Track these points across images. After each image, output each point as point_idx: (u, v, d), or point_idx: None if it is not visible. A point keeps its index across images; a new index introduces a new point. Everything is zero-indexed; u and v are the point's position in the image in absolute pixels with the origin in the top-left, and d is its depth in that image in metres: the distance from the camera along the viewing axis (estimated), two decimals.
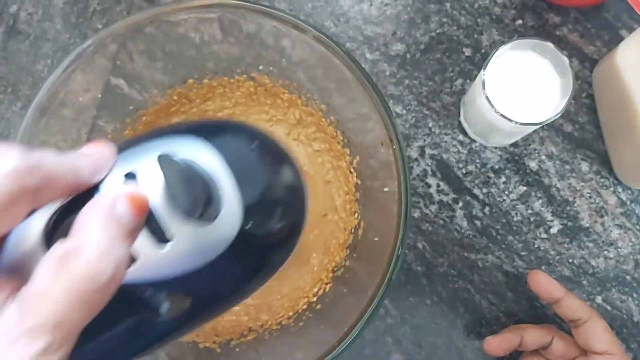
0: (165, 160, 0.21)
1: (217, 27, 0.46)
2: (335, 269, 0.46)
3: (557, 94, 0.42)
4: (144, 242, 0.21)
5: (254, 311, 0.47)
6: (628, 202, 0.49)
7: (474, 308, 0.49)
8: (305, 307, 0.46)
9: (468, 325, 0.49)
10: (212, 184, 0.22)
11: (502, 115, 0.40)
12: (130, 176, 0.22)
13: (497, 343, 0.44)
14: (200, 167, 0.22)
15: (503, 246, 0.49)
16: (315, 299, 0.46)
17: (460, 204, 0.50)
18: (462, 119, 0.50)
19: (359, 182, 0.46)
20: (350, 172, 0.47)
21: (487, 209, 0.49)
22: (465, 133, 0.50)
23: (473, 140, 0.50)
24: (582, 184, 0.49)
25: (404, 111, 0.51)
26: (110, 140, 0.48)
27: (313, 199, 0.48)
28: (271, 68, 0.47)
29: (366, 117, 0.42)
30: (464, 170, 0.50)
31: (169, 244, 0.21)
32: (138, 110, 0.48)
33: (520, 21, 0.51)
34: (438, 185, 0.50)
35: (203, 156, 0.23)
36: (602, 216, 0.49)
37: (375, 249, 0.43)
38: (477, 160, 0.50)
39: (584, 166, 0.50)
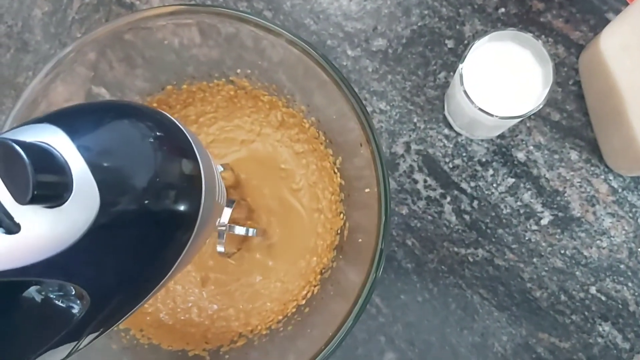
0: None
1: (196, 31, 0.46)
2: (323, 271, 0.46)
3: (539, 85, 0.41)
4: None
5: (244, 316, 0.47)
6: (620, 190, 0.48)
7: (465, 303, 0.48)
8: (294, 310, 0.46)
9: (460, 321, 0.48)
10: (62, 167, 0.22)
11: (481, 109, 0.40)
12: None
13: None
14: (51, 150, 0.22)
15: (493, 240, 0.48)
16: (304, 301, 0.46)
17: (448, 198, 0.49)
18: (446, 112, 0.49)
19: (343, 182, 0.46)
20: (335, 172, 0.46)
21: (475, 202, 0.49)
22: (450, 127, 0.49)
23: (459, 134, 0.49)
24: (572, 173, 0.49)
25: (388, 107, 0.50)
26: None
27: (299, 200, 0.48)
28: (249, 71, 0.46)
29: (347, 117, 0.42)
30: (450, 165, 0.49)
31: (19, 232, 0.21)
32: None
33: (503, 9, 0.50)
34: (425, 181, 0.49)
35: (52, 140, 0.22)
36: (593, 205, 0.48)
37: (361, 250, 0.42)
38: (464, 154, 0.49)
39: (573, 155, 0.49)
